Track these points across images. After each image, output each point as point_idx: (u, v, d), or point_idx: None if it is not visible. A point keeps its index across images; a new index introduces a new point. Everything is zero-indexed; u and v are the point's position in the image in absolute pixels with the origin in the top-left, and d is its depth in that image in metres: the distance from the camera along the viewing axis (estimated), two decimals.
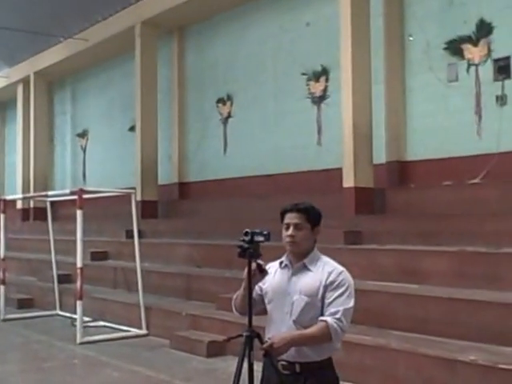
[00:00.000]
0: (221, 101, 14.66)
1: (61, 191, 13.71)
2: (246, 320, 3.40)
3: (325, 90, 12.29)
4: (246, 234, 3.35)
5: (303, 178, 12.34)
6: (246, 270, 3.34)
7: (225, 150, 14.49)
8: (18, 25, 17.45)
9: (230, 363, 7.73)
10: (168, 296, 10.60)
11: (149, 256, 11.07)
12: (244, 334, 3.34)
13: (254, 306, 3.36)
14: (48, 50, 19.05)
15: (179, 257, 11.87)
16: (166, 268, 11.54)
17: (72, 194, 10.22)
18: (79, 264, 9.49)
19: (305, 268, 3.36)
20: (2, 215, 12.05)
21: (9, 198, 13.65)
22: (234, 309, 3.60)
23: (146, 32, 15.51)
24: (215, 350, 8.05)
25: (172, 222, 14.22)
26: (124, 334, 9.82)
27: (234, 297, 3.57)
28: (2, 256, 11.85)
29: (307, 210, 3.38)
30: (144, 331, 9.72)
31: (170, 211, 15.08)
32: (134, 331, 9.80)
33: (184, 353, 8.34)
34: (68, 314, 11.47)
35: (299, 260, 3.38)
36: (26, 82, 20.96)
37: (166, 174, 15.63)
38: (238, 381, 3.25)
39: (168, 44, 16.00)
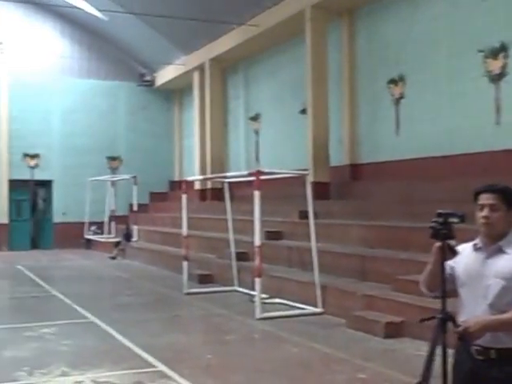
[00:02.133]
0: (392, 82, 14.49)
1: (239, 173, 14.33)
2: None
3: (504, 67, 11.75)
4: (439, 215, 3.30)
5: (480, 159, 11.93)
6: (434, 250, 3.32)
7: (397, 131, 14.33)
8: (193, 14, 18.34)
9: (407, 345, 7.76)
10: (342, 276, 10.76)
11: (322, 236, 11.26)
12: (438, 316, 3.32)
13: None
14: (222, 37, 19.83)
15: (352, 238, 11.99)
16: (340, 248, 11.69)
17: (250, 175, 10.63)
18: (257, 243, 9.86)
19: (500, 251, 3.27)
20: (184, 195, 12.83)
21: (190, 179, 14.48)
22: (423, 288, 3.57)
23: (316, 16, 15.68)
24: (392, 331, 8.10)
25: (344, 204, 14.36)
26: (300, 311, 10.13)
27: (422, 277, 3.55)
28: (185, 234, 12.65)
29: (503, 191, 3.28)
30: (320, 309, 9.96)
31: (341, 192, 15.21)
32: (310, 309, 10.08)
33: (360, 332, 8.46)
34: (246, 290, 12.03)
35: (494, 242, 3.29)
36: (201, 68, 22.00)
37: (338, 156, 15.76)
38: (431, 364, 3.24)
39: (338, 27, 16.04)
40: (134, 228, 21.23)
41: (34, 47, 24.50)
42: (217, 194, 19.69)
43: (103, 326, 9.34)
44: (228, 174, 13.89)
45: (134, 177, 22.16)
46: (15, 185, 24.20)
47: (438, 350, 3.26)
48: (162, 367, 6.99)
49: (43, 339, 8.46)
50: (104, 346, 8.12)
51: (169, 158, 26.48)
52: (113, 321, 9.60)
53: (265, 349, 8.31)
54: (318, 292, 10.00)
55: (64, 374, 6.71)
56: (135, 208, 22.10)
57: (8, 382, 6.44)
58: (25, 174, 24.39)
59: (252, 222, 10.44)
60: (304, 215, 12.24)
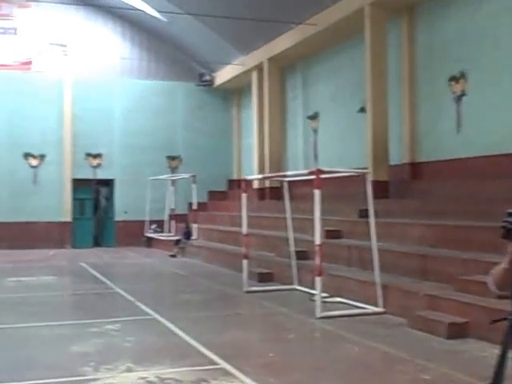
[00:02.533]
0: (453, 79, 14.22)
1: (298, 172, 14.33)
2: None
3: None
4: (510, 214, 3.24)
5: None
6: (510, 249, 3.25)
7: (458, 129, 14.07)
8: (252, 14, 18.43)
9: (471, 346, 7.63)
10: (403, 275, 10.65)
11: (382, 235, 11.15)
12: (510, 317, 3.24)
13: None
14: (280, 37, 19.85)
15: (413, 237, 11.85)
16: (400, 247, 11.57)
17: (310, 174, 10.62)
18: (318, 241, 9.85)
19: None
20: (244, 194, 12.92)
21: (249, 178, 14.56)
22: (492, 287, 3.47)
23: (376, 13, 15.54)
24: (456, 331, 7.98)
25: (404, 202, 14.20)
26: (361, 310, 10.08)
27: (492, 273, 3.46)
28: (245, 232, 12.74)
29: None
30: (381, 309, 9.89)
31: (401, 191, 15.04)
32: (371, 308, 10.02)
33: (422, 333, 8.37)
34: (305, 289, 12.04)
35: None
36: (259, 68, 22.08)
37: (397, 155, 15.59)
38: (503, 367, 3.16)
39: (397, 24, 15.85)
40: (194, 226, 21.48)
41: (96, 49, 25.07)
42: (275, 192, 19.74)
43: (165, 322, 9.49)
44: (288, 173, 13.91)
45: (194, 176, 22.43)
46: (78, 184, 24.82)
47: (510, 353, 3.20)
48: (224, 365, 7.06)
49: (108, 335, 8.66)
50: (166, 343, 8.26)
51: (227, 157, 26.68)
52: (174, 318, 9.74)
53: (326, 348, 8.30)
54: (379, 291, 9.92)
55: (129, 370, 6.85)
56: (194, 207, 22.35)
57: (75, 377, 6.62)
58: (87, 174, 24.99)
59: (311, 220, 10.44)
60: (363, 214, 12.18)
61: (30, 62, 24.23)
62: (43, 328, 9.28)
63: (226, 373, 6.77)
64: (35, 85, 24.39)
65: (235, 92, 26.55)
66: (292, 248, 13.02)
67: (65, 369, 6.99)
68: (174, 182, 24.20)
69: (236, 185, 25.38)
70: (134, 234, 24.64)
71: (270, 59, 21.13)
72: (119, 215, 25.41)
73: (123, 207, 25.35)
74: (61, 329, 9.31)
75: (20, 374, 6.79)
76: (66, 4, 23.59)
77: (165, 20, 22.86)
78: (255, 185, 21.30)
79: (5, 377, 6.70)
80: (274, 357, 7.54)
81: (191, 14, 20.62)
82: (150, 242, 24.45)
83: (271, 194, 20.46)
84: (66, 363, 7.25)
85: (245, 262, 12.59)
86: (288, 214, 13.19)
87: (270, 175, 17.21)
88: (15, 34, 23.99)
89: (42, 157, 24.43)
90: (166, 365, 7.06)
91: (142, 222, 24.49)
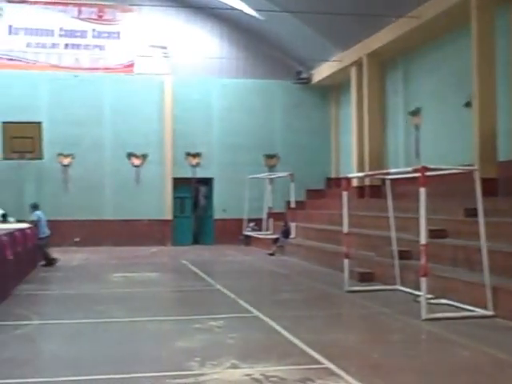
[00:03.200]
0: None
1: (402, 169, 13.97)
2: None
3: None
4: None
5: None
6: None
7: None
8: (350, 9, 18.17)
9: None
10: None
11: (490, 235, 10.63)
12: None
13: None
14: (380, 31, 19.47)
15: None
16: (510, 248, 11.02)
17: (414, 171, 10.30)
18: (423, 241, 9.54)
19: None
20: (345, 192, 12.72)
21: (350, 176, 14.34)
22: None
23: (483, 3, 14.92)
24: None
25: None
26: (468, 313, 9.68)
27: None
28: (346, 231, 12.55)
29: None
30: (490, 312, 9.46)
31: (511, 189, 14.35)
32: (479, 311, 9.60)
33: None
34: (408, 290, 11.71)
35: None
36: (358, 64, 21.76)
37: (506, 150, 14.92)
38: None
39: (506, 12, 15.17)
40: (292, 225, 21.43)
41: (195, 50, 25.50)
42: (375, 191, 19.39)
43: (267, 320, 9.46)
44: (391, 171, 13.54)
45: (291, 174, 22.39)
46: (178, 183, 25.34)
47: None
48: (328, 364, 6.94)
49: (211, 332, 8.72)
50: (269, 341, 8.22)
51: (325, 155, 26.48)
52: (276, 316, 9.70)
53: (433, 351, 7.99)
54: (489, 294, 9.49)
55: (234, 367, 6.85)
56: (292, 205, 22.32)
57: (181, 371, 6.69)
58: (187, 173, 25.46)
59: (413, 219, 10.13)
60: (470, 213, 11.72)
61: (132, 65, 24.93)
62: (149, 323, 9.47)
63: (331, 373, 6.64)
64: (137, 87, 25.11)
65: (333, 89, 26.30)
66: (394, 247, 12.70)
67: (171, 363, 7.09)
68: (271, 181, 24.26)
69: (334, 183, 25.15)
70: (232, 232, 24.91)
71: (370, 54, 20.77)
72: (218, 213, 25.75)
73: (222, 205, 25.68)
74: (166, 324, 9.49)
75: (128, 367, 6.93)
76: (167, 7, 24.15)
77: (262, 18, 22.94)
78: (354, 183, 21.00)
79: (113, 369, 6.86)
80: (379, 358, 7.35)
81: (288, 11, 20.56)
82: (248, 241, 24.62)
83: (371, 192, 20.12)
84: (172, 358, 7.34)
85: (346, 261, 12.39)
86: (390, 213, 12.87)
87: (371, 173, 16.87)
88: (118, 37, 24.76)
89: (144, 156, 25.12)
90: (271, 362, 7.01)
91: (240, 220, 24.70)
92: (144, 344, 8.12)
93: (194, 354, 7.34)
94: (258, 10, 22.24)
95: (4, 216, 19.95)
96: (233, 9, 22.88)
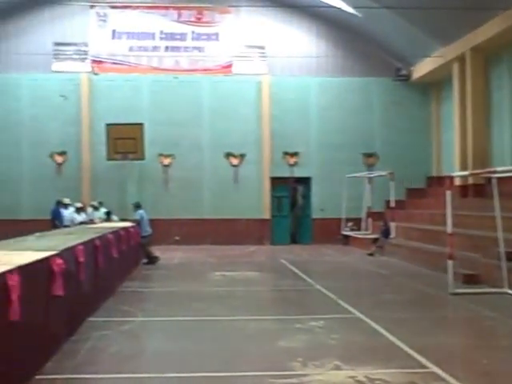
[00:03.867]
0: None
1: (510, 167, 13.37)
2: None
3: None
4: None
5: None
6: None
7: None
8: (452, 3, 17.57)
9: None
10: None
11: None
12: None
13: None
14: (484, 25, 18.74)
15: None
16: None
17: None
18: None
19: None
20: (449, 192, 12.32)
21: (455, 174, 13.88)
22: None
23: None
24: None
25: None
26: None
27: None
28: (449, 231, 12.14)
29: None
30: None
31: None
32: None
33: None
34: None
35: None
36: (461, 59, 21.04)
37: None
38: None
39: None
40: (392, 225, 21.00)
41: (292, 49, 25.49)
42: (478, 190, 18.71)
43: (368, 322, 9.28)
44: (498, 169, 12.96)
45: (391, 173, 21.96)
46: (276, 182, 25.42)
47: None
48: (434, 369, 6.72)
49: (312, 332, 8.64)
50: (372, 343, 8.06)
51: (426, 153, 25.78)
52: (377, 317, 9.50)
53: None
54: None
55: (336, 368, 6.75)
56: (392, 204, 21.88)
57: (284, 371, 6.66)
58: (285, 172, 25.49)
59: None
60: None
61: (230, 65, 25.23)
62: (250, 322, 9.50)
63: (438, 377, 6.42)
64: (235, 87, 25.38)
65: (434, 85, 25.58)
66: (501, 249, 12.17)
67: (273, 362, 7.06)
68: (370, 180, 23.89)
69: (435, 182, 24.45)
70: (330, 232, 24.71)
71: (473, 49, 20.03)
72: (316, 213, 25.62)
73: (319, 205, 25.54)
74: (266, 323, 9.49)
75: (230, 366, 6.97)
76: (264, 7, 24.28)
77: (360, 15, 22.63)
78: (457, 182, 20.32)
79: (216, 367, 6.91)
80: (489, 365, 7.04)
81: (387, 7, 20.16)
82: (346, 240, 24.36)
83: (475, 191, 19.40)
84: (274, 357, 7.32)
85: (450, 262, 11.98)
86: (497, 212, 12.35)
87: (478, 171, 16.22)
88: (217, 39, 25.11)
89: (242, 156, 25.35)
90: (374, 365, 6.86)
91: (339, 219, 24.47)
92: (246, 343, 8.15)
93: (296, 354, 7.29)
94: (356, 8, 21.98)
95: (108, 214, 20.69)
96: (330, 7, 22.70)
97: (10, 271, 5.68)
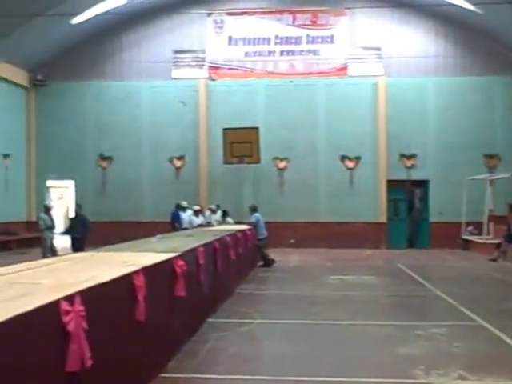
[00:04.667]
0: None
1: None
2: None
3: None
4: None
5: None
6: None
7: None
8: None
9: None
10: None
11: None
12: None
13: None
14: None
15: None
16: None
17: None
18: None
19: None
20: None
21: None
22: None
23: None
24: None
25: None
26: None
27: None
28: None
29: None
30: None
31: None
32: None
33: None
34: None
35: None
36: None
37: None
38: None
39: None
40: None
41: (409, 49, 24.95)
42: None
43: (494, 330, 8.88)
44: None
45: None
46: (392, 185, 24.96)
47: None
48: None
49: (434, 339, 8.37)
50: (497, 353, 7.70)
51: None
52: (503, 326, 9.06)
53: None
54: None
55: (462, 378, 6.50)
56: None
57: (405, 379, 6.50)
58: (401, 175, 24.97)
59: None
60: None
61: (345, 68, 25.06)
62: (368, 327, 9.36)
63: None
64: (350, 89, 25.17)
65: None
66: None
67: (394, 370, 6.90)
68: (492, 182, 22.95)
69: None
70: (448, 236, 23.95)
71: None
72: (434, 216, 24.92)
73: (438, 208, 24.82)
74: (385, 329, 9.29)
75: (349, 371, 6.87)
76: (379, 8, 23.93)
77: (480, 12, 21.79)
78: None
79: (334, 372, 6.84)
80: None
81: (511, 2, 19.31)
82: (466, 245, 23.52)
83: None
84: (395, 364, 7.15)
85: None
86: None
87: None
88: (332, 41, 25.01)
89: (357, 159, 25.09)
90: (503, 376, 6.54)
91: (458, 223, 23.68)
92: (364, 348, 8.02)
93: (417, 362, 7.09)
94: (476, 4, 21.19)
95: (225, 213, 21.05)
96: (449, 4, 22.02)
97: (136, 272, 5.88)
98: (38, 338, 3.78)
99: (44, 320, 3.89)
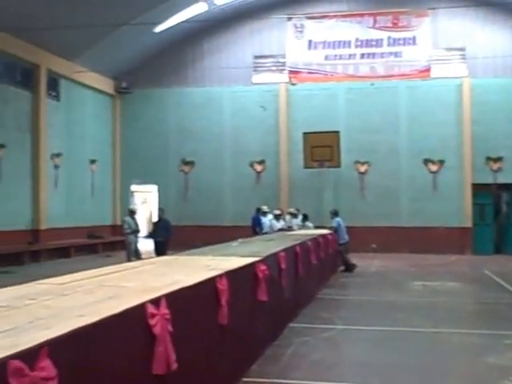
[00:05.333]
0: None
1: None
2: None
3: None
4: None
5: None
6: None
7: None
8: None
9: None
10: None
11: None
12: None
13: None
14: None
15: None
16: None
17: None
18: None
19: None
20: None
21: None
22: None
23: None
24: None
25: None
26: None
27: None
28: None
29: None
30: None
31: None
32: None
33: None
34: None
35: None
36: None
37: None
38: None
39: None
40: None
41: (495, 49, 24.18)
42: None
43: None
44: None
45: None
46: (478, 189, 24.23)
47: None
48: None
49: None
50: None
51: None
52: None
53: None
54: None
55: None
56: None
57: None
58: (487, 178, 24.21)
59: None
60: None
61: (428, 69, 24.56)
62: (454, 335, 9.08)
63: None
64: (433, 91, 24.64)
65: None
66: None
67: (482, 380, 6.68)
68: None
69: None
70: None
71: None
72: None
73: None
74: (472, 337, 9.00)
75: (433, 381, 6.70)
76: (463, 7, 23.31)
77: None
78: None
79: (418, 382, 6.71)
80: None
81: None
82: None
83: None
84: (483, 375, 6.91)
85: None
86: None
87: None
88: (414, 43, 24.55)
89: (441, 162, 24.52)
90: None
91: None
92: (450, 357, 7.80)
93: (507, 373, 6.81)
94: None
95: (305, 217, 20.96)
96: None
97: (220, 276, 5.92)
98: (126, 340, 3.86)
99: (131, 322, 3.97)
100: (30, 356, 2.72)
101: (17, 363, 2.59)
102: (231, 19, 25.88)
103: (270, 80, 25.82)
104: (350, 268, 17.68)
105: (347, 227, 18.85)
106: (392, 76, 24.78)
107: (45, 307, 4.02)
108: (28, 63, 21.69)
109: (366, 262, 19.65)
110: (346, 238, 18.20)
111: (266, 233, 19.02)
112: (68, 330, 3.22)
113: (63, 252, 22.19)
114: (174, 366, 4.28)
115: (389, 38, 24.67)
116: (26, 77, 21.97)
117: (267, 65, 25.84)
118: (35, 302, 4.23)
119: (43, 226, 22.09)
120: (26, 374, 2.61)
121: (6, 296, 4.46)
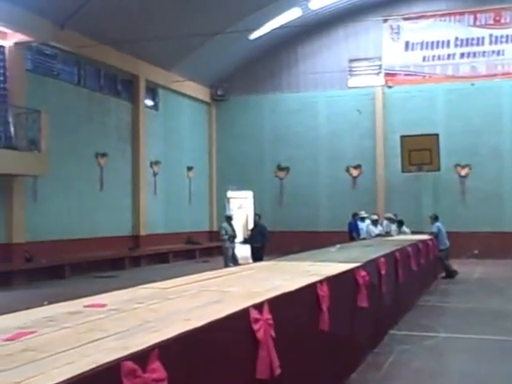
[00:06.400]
0: None
1: None
2: None
3: None
4: None
5: None
6: None
7: None
8: None
9: None
10: None
11: None
12: None
13: None
14: None
15: None
16: None
17: None
18: None
19: None
20: None
21: None
22: None
23: None
24: None
25: None
26: None
27: None
28: None
29: None
30: None
31: None
32: None
33: None
34: None
35: None
36: None
37: None
38: None
39: None
40: None
41: None
42: None
43: None
44: None
45: None
46: None
47: None
48: None
49: None
50: None
51: None
52: None
53: None
54: None
55: None
56: None
57: None
58: None
59: None
60: None
61: None
62: None
63: None
64: None
65: None
66: None
67: None
68: None
69: None
70: None
71: None
72: None
73: None
74: None
75: None
76: None
77: None
78: None
79: None
80: None
81: None
82: None
83: None
84: None
85: None
86: None
87: None
88: None
89: None
90: None
91: None
92: None
93: None
94: None
95: (400, 223, 20.48)
96: None
97: (320, 281, 5.88)
98: (231, 344, 3.88)
99: (235, 327, 3.99)
100: (141, 358, 2.78)
101: (130, 364, 2.66)
102: (325, 23, 25.79)
103: (366, 83, 25.55)
104: (451, 274, 17.17)
105: (447, 232, 18.32)
106: (494, 75, 23.88)
107: (152, 311, 4.12)
108: (128, 74, 22.44)
109: (467, 269, 19.03)
110: (446, 243, 17.68)
111: (363, 238, 18.77)
112: (176, 333, 3.27)
113: (162, 257, 22.78)
114: (278, 371, 4.28)
115: (490, 35, 23.78)
116: (126, 87, 22.76)
117: (363, 68, 25.58)
118: (143, 305, 4.35)
119: (143, 232, 22.75)
120: (139, 376, 2.67)
121: (115, 299, 4.61)
